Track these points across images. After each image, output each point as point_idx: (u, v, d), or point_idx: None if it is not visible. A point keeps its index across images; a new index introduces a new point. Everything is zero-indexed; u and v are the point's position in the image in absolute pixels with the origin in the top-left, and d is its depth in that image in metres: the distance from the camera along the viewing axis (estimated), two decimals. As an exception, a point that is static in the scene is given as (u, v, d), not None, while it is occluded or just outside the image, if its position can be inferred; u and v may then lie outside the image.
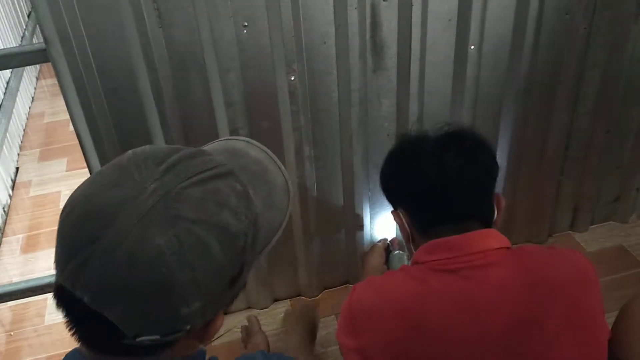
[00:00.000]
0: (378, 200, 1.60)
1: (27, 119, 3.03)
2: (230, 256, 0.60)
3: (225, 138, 0.79)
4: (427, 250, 0.98)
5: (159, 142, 1.34)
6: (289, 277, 1.72)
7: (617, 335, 1.06)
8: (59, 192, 2.44)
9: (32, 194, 2.47)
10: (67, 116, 1.28)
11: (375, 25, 1.34)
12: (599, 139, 1.74)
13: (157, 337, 0.58)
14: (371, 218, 1.65)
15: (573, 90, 1.62)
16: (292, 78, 1.35)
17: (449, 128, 1.04)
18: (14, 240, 2.21)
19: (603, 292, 0.96)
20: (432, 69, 1.43)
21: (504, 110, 1.57)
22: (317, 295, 1.76)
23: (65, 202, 0.62)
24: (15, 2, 3.25)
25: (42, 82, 3.43)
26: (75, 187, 0.63)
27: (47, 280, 1.48)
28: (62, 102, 1.28)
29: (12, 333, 1.79)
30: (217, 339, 1.61)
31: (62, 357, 0.65)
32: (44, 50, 1.18)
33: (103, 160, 1.32)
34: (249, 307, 1.74)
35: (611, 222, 1.97)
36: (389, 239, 1.56)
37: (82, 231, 0.57)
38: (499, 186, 1.71)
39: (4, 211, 2.32)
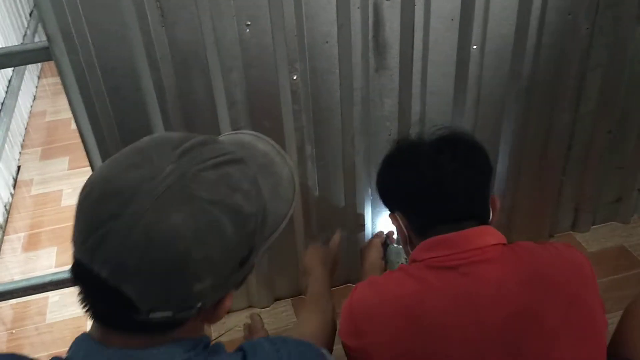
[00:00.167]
0: (379, 200, 1.60)
1: (28, 117, 3.03)
2: (241, 237, 0.63)
3: (234, 132, 0.82)
4: (425, 248, 0.99)
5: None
6: (290, 276, 1.72)
7: (622, 335, 1.06)
8: (61, 190, 2.44)
9: (33, 192, 2.47)
10: (69, 115, 1.28)
11: (378, 24, 1.34)
12: (600, 139, 1.74)
13: (170, 313, 0.61)
14: (372, 217, 1.65)
15: (575, 90, 1.62)
16: (295, 77, 1.35)
17: (444, 132, 1.06)
18: (16, 238, 2.21)
19: (604, 292, 0.97)
20: (434, 68, 1.44)
21: (506, 110, 1.58)
22: (319, 295, 1.76)
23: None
24: (17, 0, 3.26)
25: (44, 80, 3.43)
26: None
27: (48, 279, 1.48)
28: (64, 101, 1.28)
29: (13, 331, 1.80)
30: (218, 337, 1.61)
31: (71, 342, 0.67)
32: (47, 48, 1.18)
33: (105, 158, 1.31)
34: (250, 306, 1.74)
35: (612, 222, 1.97)
36: (385, 232, 1.57)
37: (102, 209, 0.59)
38: (501, 186, 1.72)
39: (6, 209, 2.33)
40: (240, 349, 0.69)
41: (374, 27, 1.34)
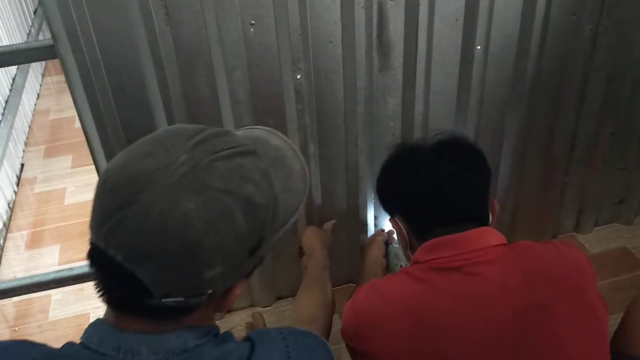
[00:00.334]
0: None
1: (32, 115, 3.04)
2: (252, 226, 0.65)
3: (247, 127, 0.83)
4: (427, 249, 0.99)
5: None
6: (292, 276, 1.72)
7: (626, 332, 1.07)
8: (64, 188, 2.45)
9: (37, 190, 2.47)
10: (73, 113, 1.28)
11: (382, 24, 1.34)
12: (604, 140, 1.74)
13: (182, 299, 0.63)
14: (375, 217, 1.66)
15: (578, 91, 1.62)
16: (298, 76, 1.35)
17: (443, 136, 1.07)
18: (19, 236, 2.22)
19: (606, 294, 0.98)
20: (438, 68, 1.44)
21: (510, 111, 1.58)
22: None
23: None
24: (22, -1, 3.26)
25: (48, 78, 3.44)
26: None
27: (51, 277, 1.48)
28: (68, 99, 1.29)
29: (16, 329, 1.80)
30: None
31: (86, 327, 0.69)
32: (52, 46, 1.18)
33: (110, 157, 1.32)
34: (252, 305, 1.75)
35: (615, 223, 1.97)
36: (387, 230, 1.57)
37: (118, 195, 0.62)
38: (504, 187, 1.72)
39: (9, 207, 2.33)
40: (249, 338, 0.71)
41: (378, 27, 1.35)
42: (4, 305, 1.88)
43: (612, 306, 1.03)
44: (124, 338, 0.65)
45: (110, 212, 0.61)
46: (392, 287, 0.99)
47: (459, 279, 0.93)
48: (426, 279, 0.95)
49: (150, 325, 0.65)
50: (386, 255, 1.51)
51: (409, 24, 1.36)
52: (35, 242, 2.18)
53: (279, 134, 0.81)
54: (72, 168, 2.59)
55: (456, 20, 1.38)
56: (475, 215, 1.02)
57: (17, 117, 2.64)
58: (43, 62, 3.44)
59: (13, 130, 2.54)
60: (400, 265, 1.46)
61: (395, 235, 1.55)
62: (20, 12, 3.18)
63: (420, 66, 1.42)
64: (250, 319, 1.35)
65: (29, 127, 2.93)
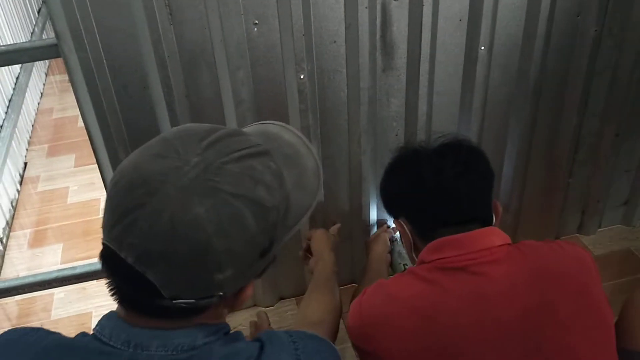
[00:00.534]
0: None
1: (36, 114, 3.04)
2: (262, 229, 0.65)
3: (262, 122, 0.83)
4: (432, 249, 1.00)
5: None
6: (294, 276, 1.72)
7: (623, 325, 1.08)
8: (67, 187, 2.45)
9: (40, 189, 2.48)
10: (76, 112, 1.29)
11: (386, 24, 1.34)
12: (608, 141, 1.73)
13: (192, 300, 0.63)
14: (378, 217, 1.65)
15: (583, 92, 1.61)
16: (302, 77, 1.35)
17: (445, 139, 1.09)
18: (22, 235, 2.22)
19: (610, 296, 0.99)
20: (441, 68, 1.43)
21: (513, 111, 1.57)
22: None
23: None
24: (26, -2, 3.27)
25: (51, 77, 3.45)
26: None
27: (53, 275, 1.48)
28: (71, 98, 1.29)
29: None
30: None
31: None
32: (55, 45, 1.18)
33: (112, 156, 1.32)
34: (254, 305, 1.74)
35: (619, 225, 1.96)
36: (392, 227, 1.57)
37: (129, 197, 0.62)
38: (507, 188, 1.71)
39: (12, 206, 2.33)
40: (258, 338, 0.71)
41: (381, 27, 1.34)
42: (7, 303, 1.89)
43: (615, 308, 1.03)
44: (134, 333, 0.66)
45: (121, 213, 0.62)
46: (398, 287, 0.99)
47: (464, 278, 0.94)
48: (432, 278, 0.95)
49: (160, 323, 0.66)
50: (391, 252, 1.51)
51: (413, 24, 1.36)
52: (38, 240, 2.18)
53: (293, 129, 0.80)
54: (75, 167, 2.59)
55: (460, 20, 1.38)
56: (478, 216, 1.03)
57: (20, 116, 2.64)
58: (46, 61, 3.44)
59: (16, 129, 2.54)
60: (404, 265, 1.46)
61: (398, 235, 1.55)
62: (24, 11, 3.19)
63: (424, 66, 1.42)
64: (254, 319, 1.35)
65: (32, 126, 2.94)
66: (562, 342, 0.90)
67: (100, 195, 2.32)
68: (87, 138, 1.31)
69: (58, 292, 1.88)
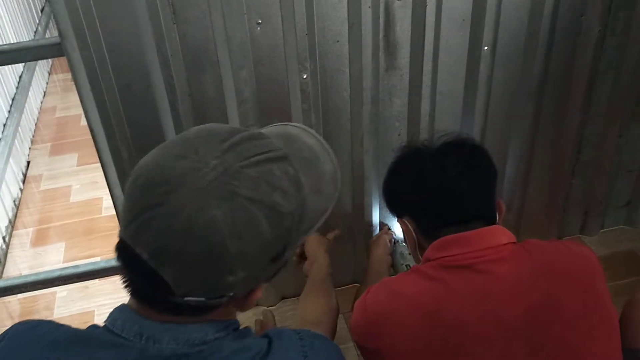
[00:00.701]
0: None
1: (38, 113, 3.04)
2: (277, 234, 0.66)
3: (283, 123, 0.83)
4: (438, 247, 1.00)
5: (171, 138, 1.34)
6: (297, 275, 1.71)
7: (626, 325, 1.08)
8: (70, 186, 2.45)
9: (42, 187, 2.48)
10: (79, 111, 1.29)
11: (389, 24, 1.34)
12: (611, 142, 1.73)
13: (203, 299, 0.64)
14: (380, 217, 1.65)
15: (586, 92, 1.61)
16: (305, 76, 1.35)
17: (448, 137, 1.08)
18: (24, 233, 2.22)
19: (613, 296, 0.98)
20: (444, 68, 1.43)
21: (516, 112, 1.57)
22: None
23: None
24: (29, -3, 3.27)
25: (54, 76, 3.45)
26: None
27: (56, 274, 1.48)
28: (74, 97, 1.29)
29: (21, 326, 1.80)
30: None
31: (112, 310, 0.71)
32: (59, 44, 1.18)
33: (115, 155, 1.32)
34: (256, 305, 1.74)
35: (622, 226, 1.96)
36: (393, 229, 1.57)
37: (148, 194, 0.63)
38: (510, 188, 1.71)
39: (15, 204, 2.34)
40: (266, 335, 0.72)
41: (384, 27, 1.34)
42: (9, 302, 1.89)
43: (618, 308, 1.03)
44: (146, 325, 0.67)
45: (139, 210, 0.63)
46: (403, 284, 0.99)
47: (470, 276, 0.94)
48: (437, 276, 0.95)
49: (171, 317, 0.67)
50: (392, 253, 1.51)
51: (416, 24, 1.35)
52: (40, 239, 2.19)
53: (314, 133, 0.80)
54: (77, 166, 2.59)
55: (463, 20, 1.38)
56: (482, 214, 1.03)
57: (23, 115, 2.65)
58: (49, 60, 3.45)
59: (19, 128, 2.55)
60: (407, 266, 1.46)
61: (402, 235, 1.55)
62: (27, 10, 3.19)
63: (427, 66, 1.42)
64: (256, 317, 1.35)
65: (35, 124, 2.94)
66: (566, 341, 0.91)
67: (102, 194, 2.32)
68: (90, 137, 1.31)
69: (60, 291, 1.89)
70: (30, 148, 2.75)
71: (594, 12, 1.46)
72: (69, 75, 2.58)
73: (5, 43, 2.60)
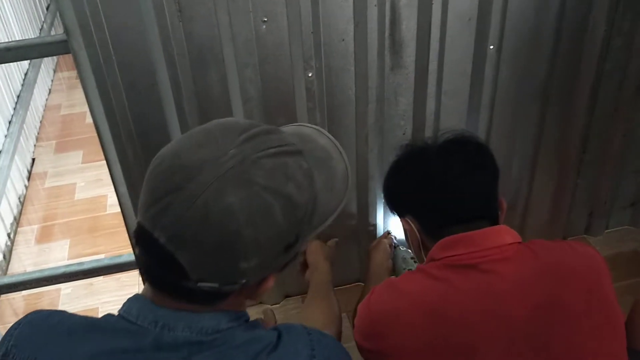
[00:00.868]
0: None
1: (44, 110, 3.05)
2: (290, 224, 0.68)
3: (298, 124, 0.86)
4: (442, 246, 1.00)
5: (176, 136, 1.34)
6: (300, 274, 1.72)
7: (632, 326, 1.08)
8: (74, 183, 2.46)
9: (47, 185, 2.49)
10: (84, 109, 1.29)
11: (395, 23, 1.34)
12: (616, 142, 1.72)
13: (216, 285, 0.66)
14: (384, 217, 1.65)
15: (591, 92, 1.60)
16: (310, 74, 1.35)
17: (451, 135, 1.08)
18: (29, 230, 2.23)
19: (618, 296, 0.98)
20: (450, 67, 1.43)
21: (522, 111, 1.57)
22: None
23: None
24: (35, -6, 3.28)
25: (60, 74, 3.46)
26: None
27: (61, 271, 1.49)
28: (79, 95, 1.29)
29: (25, 322, 1.81)
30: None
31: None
32: (65, 41, 1.18)
33: (120, 153, 1.33)
34: (260, 303, 1.75)
35: (626, 226, 1.95)
36: (393, 233, 1.57)
37: (168, 180, 0.65)
38: (515, 188, 1.71)
39: (20, 201, 2.35)
40: (275, 328, 0.74)
41: (390, 26, 1.34)
42: (14, 298, 1.90)
43: (623, 309, 1.03)
44: (161, 313, 0.68)
45: (159, 195, 0.65)
46: (408, 284, 0.99)
47: (474, 276, 0.94)
48: (442, 276, 0.95)
49: (185, 306, 0.69)
50: (393, 258, 1.50)
51: (422, 23, 1.35)
52: (45, 236, 2.19)
53: (327, 134, 0.82)
54: (82, 163, 2.60)
55: (469, 19, 1.38)
56: (485, 213, 1.03)
57: (28, 112, 2.66)
58: (55, 58, 3.46)
59: (24, 125, 2.55)
60: (409, 270, 1.46)
61: (402, 239, 1.54)
62: (33, 7, 3.20)
63: (432, 65, 1.41)
64: (260, 315, 1.35)
65: (40, 122, 2.95)
66: (570, 340, 0.90)
67: (107, 191, 2.33)
68: (95, 134, 1.31)
69: (65, 288, 1.89)
70: (35, 145, 2.76)
71: (600, 12, 1.46)
72: (74, 73, 2.58)
73: (10, 40, 2.60)
